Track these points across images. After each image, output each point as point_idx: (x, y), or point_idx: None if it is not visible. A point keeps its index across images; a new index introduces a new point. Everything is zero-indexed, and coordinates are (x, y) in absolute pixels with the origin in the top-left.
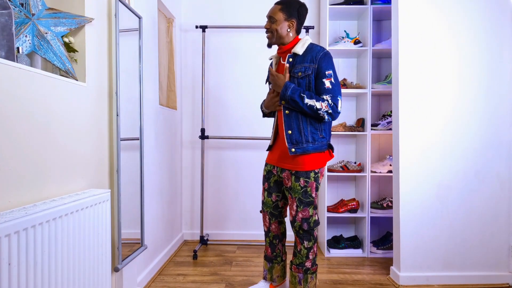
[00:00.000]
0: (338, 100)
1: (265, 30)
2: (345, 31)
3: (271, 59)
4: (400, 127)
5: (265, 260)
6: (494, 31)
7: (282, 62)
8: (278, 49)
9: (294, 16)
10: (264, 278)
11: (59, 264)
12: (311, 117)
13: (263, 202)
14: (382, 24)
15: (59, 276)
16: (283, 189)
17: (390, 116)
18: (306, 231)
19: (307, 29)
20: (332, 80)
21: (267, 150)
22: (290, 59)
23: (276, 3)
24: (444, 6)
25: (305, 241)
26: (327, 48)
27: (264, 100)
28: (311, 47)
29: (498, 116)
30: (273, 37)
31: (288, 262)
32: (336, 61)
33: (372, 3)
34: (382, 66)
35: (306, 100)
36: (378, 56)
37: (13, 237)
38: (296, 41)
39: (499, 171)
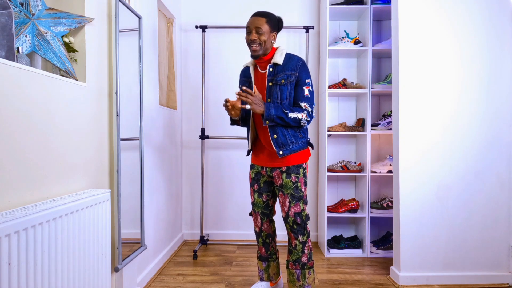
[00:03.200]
0: (313, 107)
1: (251, 41)
2: (345, 31)
3: (246, 66)
4: (400, 127)
5: (260, 261)
6: (495, 31)
7: (261, 71)
8: (256, 59)
9: (275, 29)
10: (261, 279)
11: (59, 264)
12: (292, 126)
13: (253, 204)
14: (382, 24)
15: (59, 276)
16: (273, 188)
17: (390, 116)
18: (299, 225)
19: (307, 29)
20: (310, 89)
21: (247, 155)
22: (271, 69)
23: (259, 15)
24: (444, 6)
25: (299, 236)
26: (327, 48)
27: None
28: (289, 57)
29: (498, 116)
30: (261, 49)
31: (283, 262)
32: (336, 61)
33: (372, 3)
34: (382, 66)
35: (290, 114)
36: (378, 56)
37: (13, 237)
38: (273, 51)
39: (499, 172)
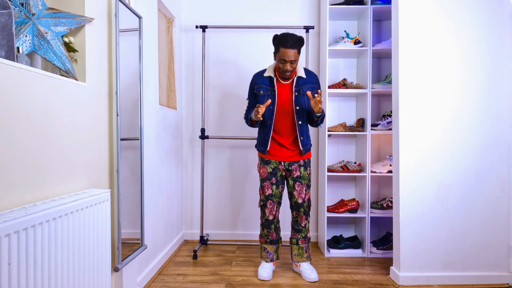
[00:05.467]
0: None
1: (286, 70)
2: (345, 31)
3: (267, 76)
4: (400, 127)
5: (271, 244)
6: (495, 31)
7: (282, 82)
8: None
9: (300, 52)
10: (272, 260)
11: (59, 264)
12: (314, 123)
13: (271, 195)
14: (382, 24)
15: (59, 276)
16: (288, 179)
17: (390, 116)
18: (309, 208)
19: (307, 29)
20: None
21: (262, 153)
22: (296, 81)
23: (294, 48)
24: (445, 6)
25: (308, 217)
26: (327, 48)
27: (252, 112)
28: (308, 71)
29: (499, 117)
30: (291, 73)
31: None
32: (336, 61)
33: (372, 3)
34: (382, 66)
35: (325, 115)
36: (378, 56)
37: (13, 237)
38: None
39: (499, 172)
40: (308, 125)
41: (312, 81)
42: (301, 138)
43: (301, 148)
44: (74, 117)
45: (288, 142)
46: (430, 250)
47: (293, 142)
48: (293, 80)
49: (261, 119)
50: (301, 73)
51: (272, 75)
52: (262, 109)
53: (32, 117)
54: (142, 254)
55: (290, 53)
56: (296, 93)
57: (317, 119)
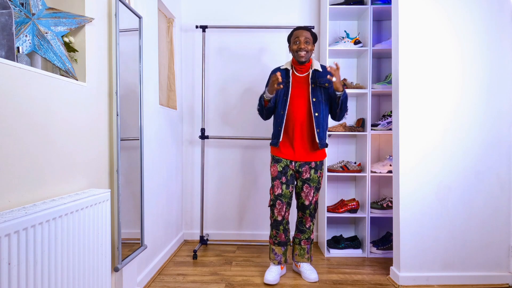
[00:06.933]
0: None
1: (300, 49)
2: (345, 31)
3: (284, 68)
4: (400, 127)
5: (279, 246)
6: (495, 31)
7: (298, 74)
8: (298, 64)
9: (314, 43)
10: (279, 263)
11: (59, 264)
12: (339, 109)
13: (280, 195)
14: (382, 24)
15: (59, 276)
16: (297, 180)
17: (390, 116)
18: (315, 210)
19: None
20: None
21: (274, 146)
22: (312, 74)
23: (307, 29)
24: (445, 6)
25: (314, 219)
26: (327, 48)
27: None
28: (323, 66)
29: (499, 117)
30: (307, 56)
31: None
32: (337, 61)
33: (372, 3)
34: (382, 66)
35: (347, 103)
36: (378, 56)
37: (13, 237)
38: (310, 60)
39: (499, 172)
40: (327, 121)
41: (328, 75)
42: (317, 130)
43: (317, 141)
44: (74, 117)
45: (301, 138)
46: (430, 250)
47: (306, 139)
48: (309, 73)
49: (280, 87)
50: (317, 66)
51: (289, 68)
52: (275, 80)
53: (32, 117)
54: (142, 254)
55: (303, 33)
56: (312, 85)
57: (338, 100)
